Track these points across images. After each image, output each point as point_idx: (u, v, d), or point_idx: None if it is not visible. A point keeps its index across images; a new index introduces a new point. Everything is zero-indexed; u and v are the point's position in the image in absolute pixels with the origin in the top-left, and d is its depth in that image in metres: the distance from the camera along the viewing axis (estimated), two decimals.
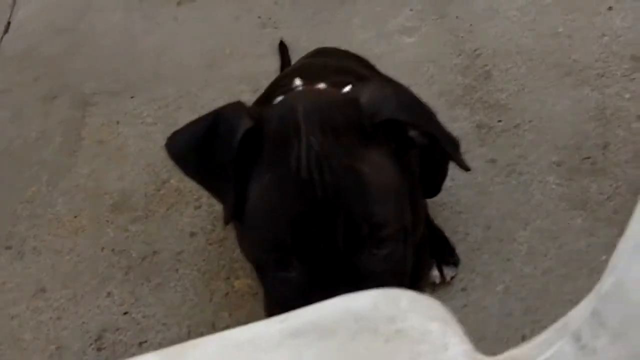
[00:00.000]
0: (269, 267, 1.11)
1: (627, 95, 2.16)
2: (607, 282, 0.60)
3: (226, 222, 1.15)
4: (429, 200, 1.90)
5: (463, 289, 1.81)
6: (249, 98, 2.01)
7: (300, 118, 1.13)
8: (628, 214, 0.64)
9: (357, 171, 1.09)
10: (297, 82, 1.35)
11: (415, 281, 1.42)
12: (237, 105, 1.20)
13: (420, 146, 1.18)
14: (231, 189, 1.12)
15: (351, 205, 1.07)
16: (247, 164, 1.12)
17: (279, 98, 1.28)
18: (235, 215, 1.13)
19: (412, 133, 1.16)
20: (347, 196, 1.07)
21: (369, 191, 1.09)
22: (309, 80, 1.35)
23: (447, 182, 1.89)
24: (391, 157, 1.15)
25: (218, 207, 1.85)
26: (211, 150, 1.14)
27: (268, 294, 1.20)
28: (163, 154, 1.22)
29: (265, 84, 2.16)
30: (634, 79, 2.20)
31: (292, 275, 1.09)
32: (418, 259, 1.30)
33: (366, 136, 1.12)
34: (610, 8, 2.45)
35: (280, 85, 1.50)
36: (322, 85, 1.29)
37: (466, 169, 1.21)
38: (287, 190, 1.08)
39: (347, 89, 1.24)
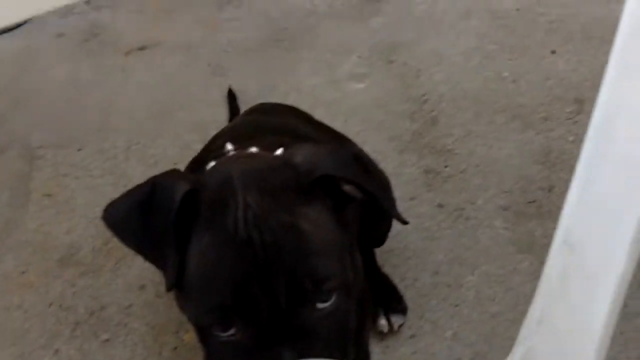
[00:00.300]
0: (211, 329, 1.10)
1: (571, 138, 2.19)
2: (517, 352, 0.60)
3: (168, 289, 1.13)
4: (377, 249, 1.91)
5: (412, 336, 1.81)
6: (199, 147, 2.02)
7: (237, 180, 1.13)
8: None
9: (296, 228, 1.09)
10: (229, 146, 1.35)
11: (359, 333, 1.42)
12: (173, 172, 1.21)
13: (358, 200, 1.19)
14: (172, 254, 1.11)
15: (292, 262, 1.07)
16: (186, 230, 1.12)
17: (212, 163, 1.28)
18: (177, 281, 1.12)
19: (347, 187, 1.17)
20: (287, 253, 1.07)
21: (309, 247, 1.09)
22: (240, 144, 1.36)
23: (395, 229, 1.90)
24: (329, 213, 1.16)
25: None
26: (149, 218, 1.13)
27: (210, 356, 1.19)
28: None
29: (214, 133, 2.17)
30: (577, 121, 2.24)
31: (235, 336, 1.08)
32: (360, 311, 1.30)
33: (303, 194, 1.13)
34: (553, 52, 2.49)
35: (211, 149, 1.51)
36: (253, 149, 1.30)
37: (403, 222, 1.23)
38: (226, 251, 1.08)
39: (279, 151, 1.25)
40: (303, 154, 1.17)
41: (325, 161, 1.16)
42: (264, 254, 1.06)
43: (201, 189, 1.14)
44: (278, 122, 1.68)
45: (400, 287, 1.88)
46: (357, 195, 1.18)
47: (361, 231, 1.57)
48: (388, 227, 1.86)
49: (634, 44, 0.77)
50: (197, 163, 1.48)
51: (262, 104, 1.96)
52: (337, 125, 1.96)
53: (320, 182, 1.14)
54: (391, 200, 1.26)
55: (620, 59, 0.73)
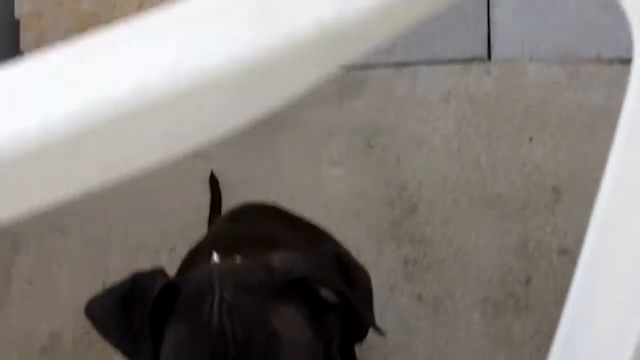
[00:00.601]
0: None
1: (549, 229, 2.21)
2: None
3: None
4: (357, 346, 1.92)
5: None
6: (179, 235, 2.03)
7: (215, 277, 1.19)
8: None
9: (268, 323, 1.15)
10: (215, 257, 1.38)
11: None
12: (155, 269, 1.27)
13: (336, 307, 1.23)
14: (147, 346, 1.16)
15: (261, 356, 1.11)
16: (163, 322, 1.17)
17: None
18: None
19: (324, 292, 1.21)
20: (257, 347, 1.12)
21: (279, 343, 1.14)
22: (224, 253, 1.39)
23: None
24: (304, 317, 1.21)
25: None
26: (129, 312, 1.19)
27: None
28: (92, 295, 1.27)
29: (195, 219, 2.18)
30: (555, 211, 2.26)
31: None
32: None
33: (278, 294, 1.18)
34: (531, 139, 2.52)
35: (197, 259, 1.54)
36: (238, 258, 1.33)
37: (380, 333, 1.26)
38: (197, 342, 1.14)
39: None
40: (281, 258, 1.22)
41: (302, 265, 1.22)
42: (234, 346, 1.11)
43: (180, 285, 1.20)
44: (262, 231, 1.71)
45: None
46: (334, 301, 1.22)
47: (342, 329, 1.60)
48: (368, 324, 1.88)
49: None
50: (184, 271, 1.52)
51: (244, 208, 1.96)
52: (317, 213, 1.99)
53: (296, 286, 1.18)
54: (369, 309, 1.31)
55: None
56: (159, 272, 1.24)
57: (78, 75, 0.39)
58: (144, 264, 2.21)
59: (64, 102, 0.39)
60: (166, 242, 2.28)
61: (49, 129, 0.40)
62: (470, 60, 2.77)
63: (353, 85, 2.85)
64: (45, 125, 0.40)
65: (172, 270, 1.83)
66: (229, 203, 2.29)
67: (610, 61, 2.60)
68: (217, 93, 0.42)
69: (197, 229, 2.25)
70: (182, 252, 2.18)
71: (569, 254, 2.12)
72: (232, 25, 0.41)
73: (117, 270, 2.18)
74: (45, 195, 0.43)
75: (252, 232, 1.68)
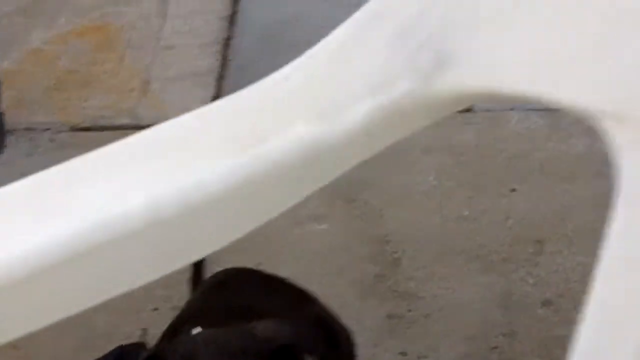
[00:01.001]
0: None
1: (532, 281, 2.21)
2: None
3: None
4: None
5: None
6: (162, 294, 2.02)
7: (200, 344, 1.21)
8: None
9: None
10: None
11: None
12: (138, 342, 1.29)
13: None
14: None
15: None
16: None
17: None
18: None
19: (309, 359, 1.22)
20: None
21: None
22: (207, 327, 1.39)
23: None
24: None
25: None
26: None
27: None
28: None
29: (178, 278, 2.16)
30: (537, 263, 2.26)
31: None
32: None
33: None
34: (513, 190, 2.52)
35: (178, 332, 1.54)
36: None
37: None
38: None
39: None
40: (265, 325, 1.24)
41: (287, 332, 1.24)
42: None
43: (163, 355, 1.22)
44: (244, 301, 1.71)
45: None
46: None
47: None
48: None
49: None
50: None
51: (226, 276, 1.94)
52: (300, 268, 1.99)
53: (281, 353, 1.18)
54: None
55: None
56: (142, 345, 1.26)
57: (62, 201, 0.40)
58: (128, 324, 2.20)
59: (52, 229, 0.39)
60: (149, 302, 2.26)
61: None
62: None
63: None
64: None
65: (155, 330, 1.82)
66: (212, 262, 2.28)
67: None
68: (201, 216, 0.42)
69: (180, 288, 2.24)
70: (165, 312, 2.18)
71: (553, 305, 2.12)
72: (210, 149, 0.41)
73: (102, 331, 2.16)
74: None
75: (234, 303, 1.68)
